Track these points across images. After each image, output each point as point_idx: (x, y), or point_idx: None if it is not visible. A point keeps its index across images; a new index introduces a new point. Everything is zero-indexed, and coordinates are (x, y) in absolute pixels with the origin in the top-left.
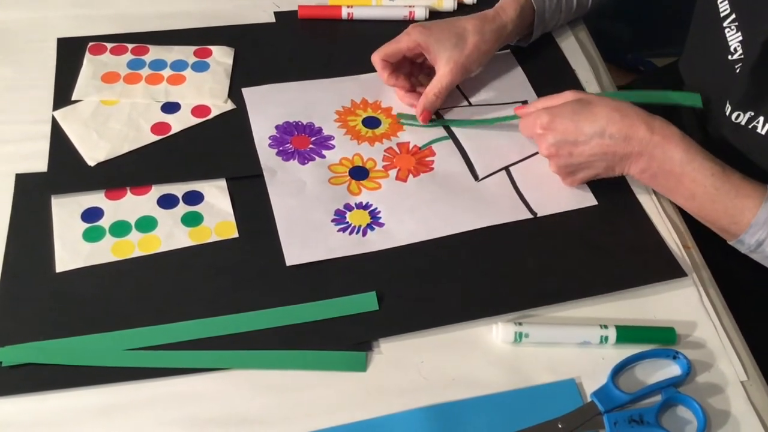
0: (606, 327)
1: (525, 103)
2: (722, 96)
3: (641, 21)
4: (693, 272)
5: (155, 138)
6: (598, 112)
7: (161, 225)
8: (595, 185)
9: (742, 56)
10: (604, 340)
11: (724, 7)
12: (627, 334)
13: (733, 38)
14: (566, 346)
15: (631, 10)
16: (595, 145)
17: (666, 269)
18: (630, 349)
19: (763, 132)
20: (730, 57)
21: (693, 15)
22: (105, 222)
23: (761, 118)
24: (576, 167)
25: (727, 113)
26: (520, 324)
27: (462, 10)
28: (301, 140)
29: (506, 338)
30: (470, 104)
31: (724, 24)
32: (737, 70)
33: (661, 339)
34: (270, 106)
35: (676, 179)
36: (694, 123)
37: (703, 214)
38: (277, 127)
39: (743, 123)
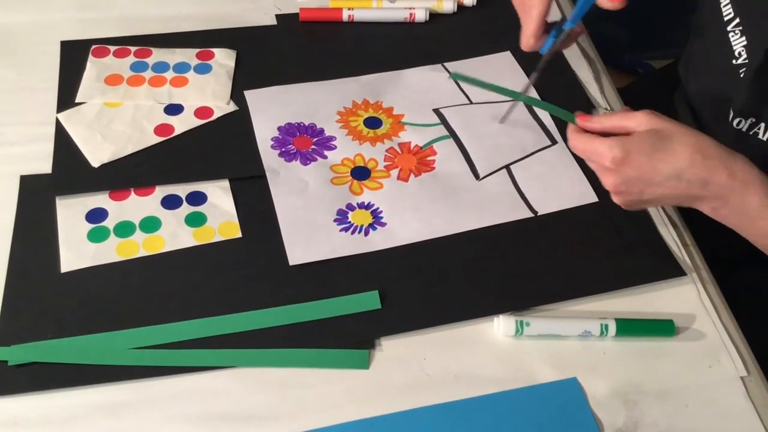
0: (606, 319)
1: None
2: (725, 101)
3: (639, 23)
4: (692, 271)
5: (159, 139)
6: (678, 152)
7: (165, 225)
8: (595, 182)
9: (747, 61)
10: (604, 329)
11: (727, 11)
12: (627, 325)
13: (738, 43)
14: (567, 340)
15: (628, 13)
16: (669, 187)
17: (665, 268)
18: (629, 342)
19: (765, 138)
20: (734, 61)
21: (693, 18)
22: (109, 222)
23: (762, 125)
24: (643, 203)
25: (729, 119)
26: (521, 315)
27: (462, 12)
28: (303, 141)
29: (507, 330)
30: (471, 102)
31: (728, 28)
32: (741, 75)
33: (661, 330)
34: (272, 108)
35: (750, 221)
36: (694, 127)
37: None
38: (279, 128)
39: (744, 129)
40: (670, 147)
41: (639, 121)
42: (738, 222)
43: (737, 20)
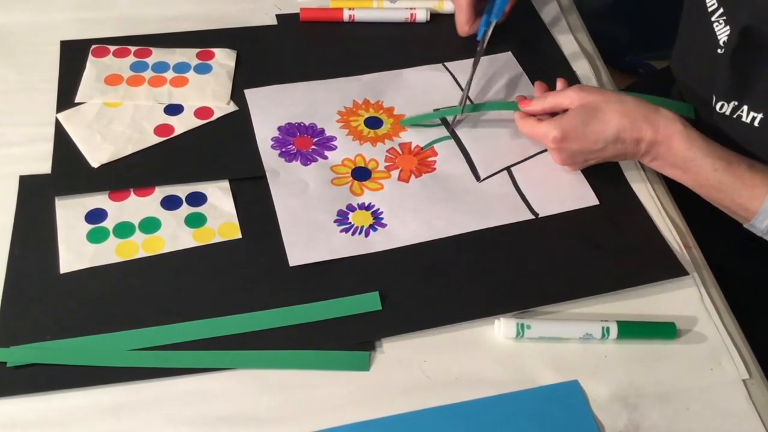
0: (607, 322)
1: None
2: (710, 88)
3: (639, 23)
4: (694, 271)
5: (158, 140)
6: (608, 121)
7: (165, 226)
8: (596, 184)
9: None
10: (605, 332)
11: (711, 2)
12: (628, 328)
13: (722, 32)
14: (568, 343)
15: (628, 13)
16: (608, 150)
17: (667, 268)
18: (631, 344)
19: (748, 121)
20: (719, 51)
21: (682, 11)
22: (109, 223)
23: (745, 107)
24: (591, 164)
25: (713, 104)
26: (521, 317)
27: None
28: (303, 141)
29: (508, 333)
30: (472, 102)
31: (713, 18)
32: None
33: (662, 333)
34: (272, 108)
35: (681, 172)
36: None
37: (712, 202)
38: (279, 128)
39: (728, 113)
40: (601, 117)
41: (571, 98)
42: (676, 174)
43: (721, 10)
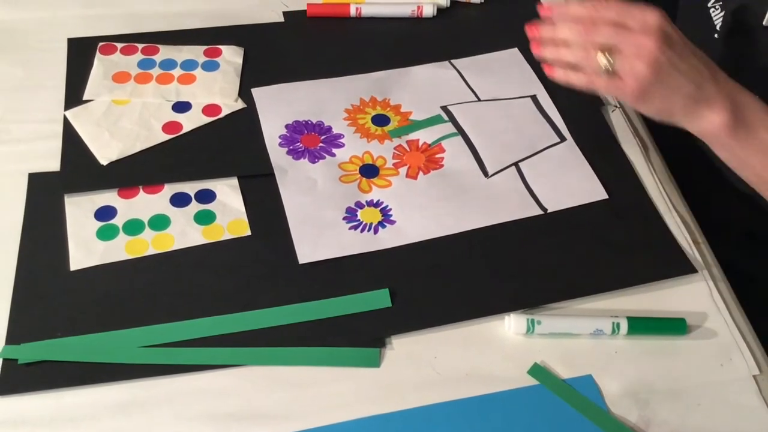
0: (617, 317)
1: (533, 97)
2: None
3: None
4: (704, 268)
5: (167, 137)
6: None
7: (174, 223)
8: (604, 179)
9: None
10: (616, 328)
11: None
12: (638, 324)
13: (718, 17)
14: (579, 339)
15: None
16: (704, 64)
17: (676, 265)
18: (641, 340)
19: None
20: (715, 36)
21: (680, 1)
22: (118, 220)
23: None
24: (675, 72)
25: None
26: (532, 313)
27: (469, 8)
28: (311, 139)
29: (519, 329)
30: (479, 99)
31: (709, 5)
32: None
33: (672, 329)
34: (280, 106)
35: (761, 152)
36: None
37: None
38: (287, 126)
39: None
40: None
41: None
42: (744, 149)
43: None
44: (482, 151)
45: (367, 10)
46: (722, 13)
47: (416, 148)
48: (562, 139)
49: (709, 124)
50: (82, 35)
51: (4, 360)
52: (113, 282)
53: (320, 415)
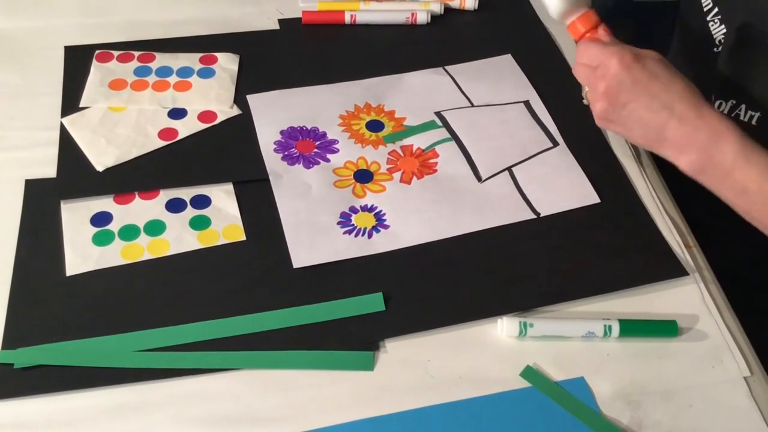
0: (609, 320)
1: (526, 102)
2: (708, 87)
3: (636, 23)
4: (695, 271)
5: (163, 143)
6: (678, 82)
7: (170, 228)
8: (596, 183)
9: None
10: (608, 330)
11: (706, 2)
12: (630, 326)
13: (718, 31)
14: (571, 341)
15: (626, 13)
16: (658, 112)
17: (668, 268)
18: (633, 343)
19: (746, 120)
20: (715, 50)
21: (678, 12)
22: (114, 226)
23: (743, 106)
24: (618, 118)
25: (710, 103)
26: (524, 316)
27: (463, 15)
28: (305, 145)
29: (511, 331)
30: (472, 105)
31: (708, 18)
32: (719, 58)
33: (664, 331)
34: (275, 112)
35: (725, 174)
36: None
37: (756, 213)
38: (282, 132)
39: (726, 112)
40: (670, 78)
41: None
42: (712, 176)
43: (716, 9)
44: (476, 156)
45: (362, 17)
46: (722, 27)
47: (410, 153)
48: (555, 144)
49: (675, 161)
50: (79, 43)
51: (0, 364)
52: (109, 287)
53: (315, 418)
